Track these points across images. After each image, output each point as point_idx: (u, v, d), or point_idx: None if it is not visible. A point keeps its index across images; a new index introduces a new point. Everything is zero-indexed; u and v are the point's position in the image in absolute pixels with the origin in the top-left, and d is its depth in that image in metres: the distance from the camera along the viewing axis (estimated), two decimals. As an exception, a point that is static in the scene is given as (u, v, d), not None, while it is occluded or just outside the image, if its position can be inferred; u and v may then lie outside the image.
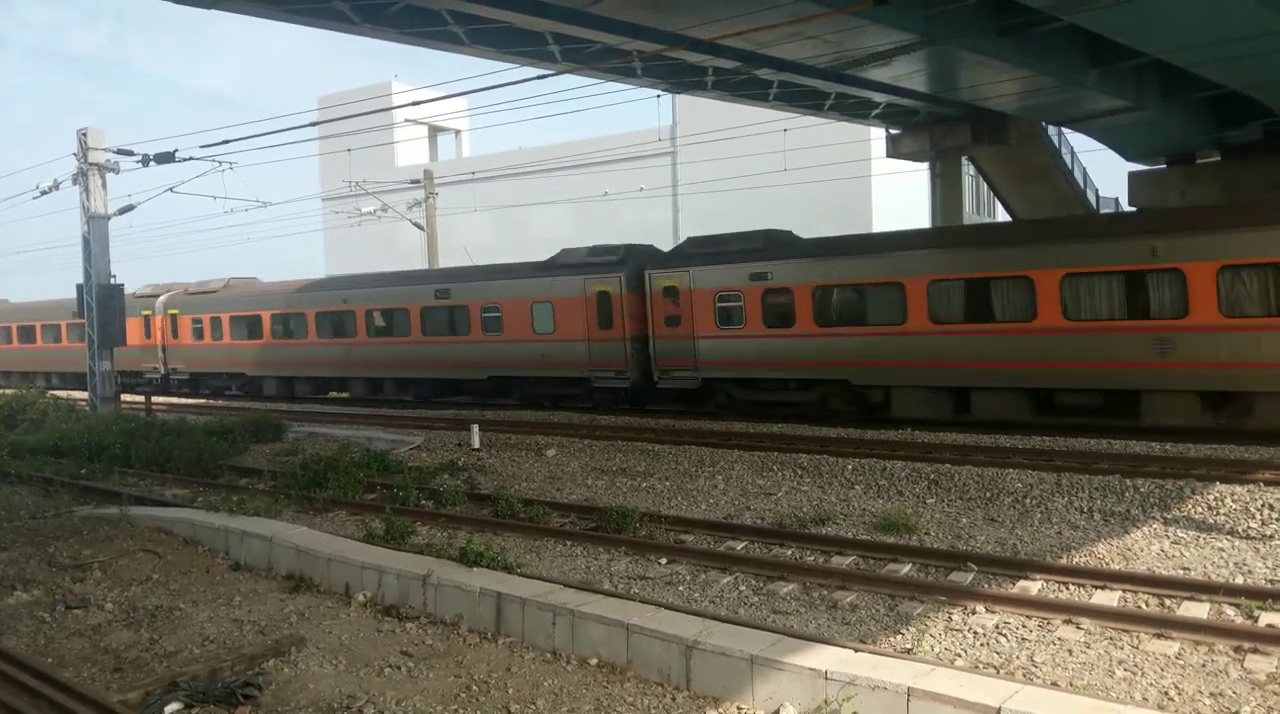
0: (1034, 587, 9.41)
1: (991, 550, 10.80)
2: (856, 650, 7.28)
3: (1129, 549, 10.62)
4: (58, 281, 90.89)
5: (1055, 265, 16.78)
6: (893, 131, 30.63)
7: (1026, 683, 6.81)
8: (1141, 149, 28.54)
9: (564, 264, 23.99)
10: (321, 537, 11.62)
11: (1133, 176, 29.88)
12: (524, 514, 13.09)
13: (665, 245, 25.59)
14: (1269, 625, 8.06)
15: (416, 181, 37.46)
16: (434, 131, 58.42)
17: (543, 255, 26.12)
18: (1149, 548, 10.66)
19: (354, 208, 37.97)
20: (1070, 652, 7.80)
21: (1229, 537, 10.95)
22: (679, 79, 23.68)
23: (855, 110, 27.88)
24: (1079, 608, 8.62)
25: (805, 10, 14.69)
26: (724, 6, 15.43)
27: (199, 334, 32.55)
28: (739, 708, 7.14)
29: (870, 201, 38.82)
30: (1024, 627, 8.38)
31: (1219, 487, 12.42)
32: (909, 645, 8.12)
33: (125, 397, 28.97)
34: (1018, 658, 7.74)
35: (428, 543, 11.29)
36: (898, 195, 38.50)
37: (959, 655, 7.87)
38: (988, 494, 13.28)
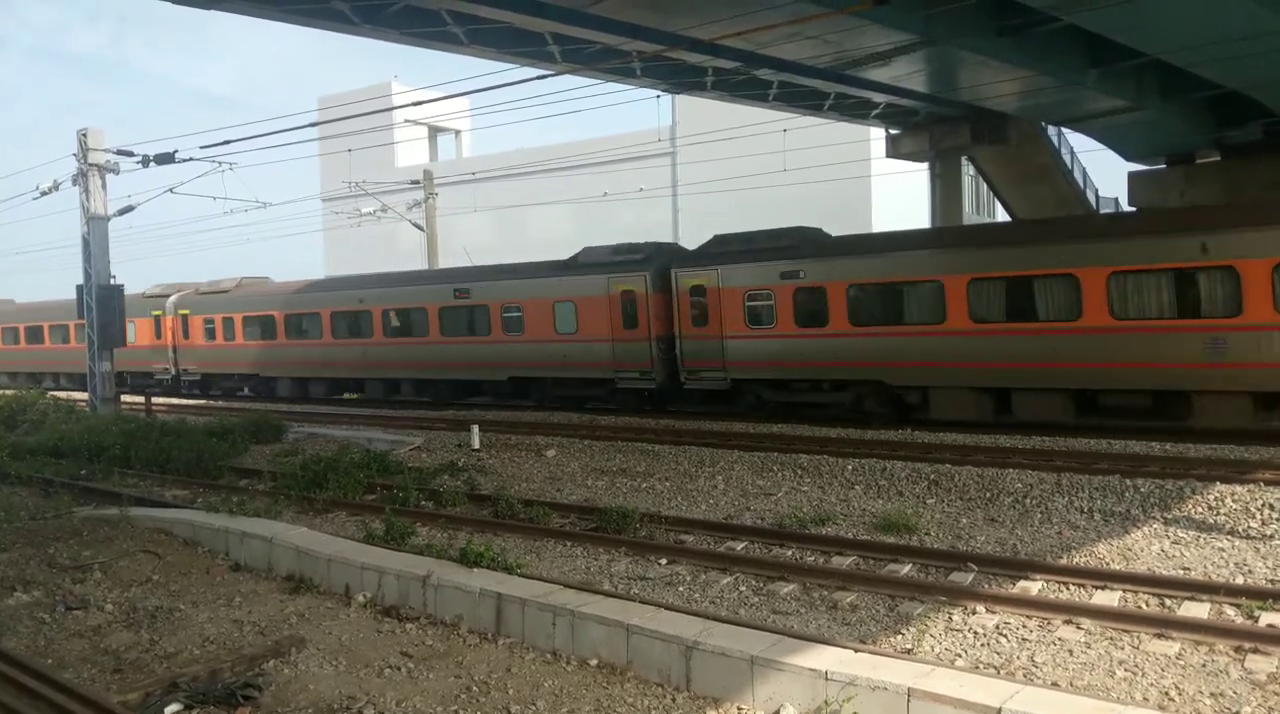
0: (1034, 587, 9.40)
1: (992, 550, 10.79)
2: (857, 651, 7.28)
3: (1129, 549, 10.62)
4: (58, 282, 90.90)
5: (1101, 263, 16.32)
6: (892, 132, 30.64)
7: (1027, 683, 6.81)
8: (1141, 149, 28.55)
9: (587, 263, 23.63)
10: (321, 537, 11.62)
11: (1132, 176, 29.89)
12: (524, 515, 13.09)
13: (665, 246, 25.52)
14: (1269, 625, 8.06)
15: (416, 182, 37.45)
16: (434, 132, 58.41)
17: (543, 255, 26.10)
18: (1149, 548, 10.66)
19: (354, 208, 37.93)
20: (1071, 652, 7.79)
21: (1229, 537, 10.94)
22: (679, 79, 23.67)
23: (855, 110, 27.89)
24: (1079, 608, 8.62)
25: (805, 10, 14.70)
26: (724, 7, 15.43)
27: (211, 334, 32.30)
28: (739, 708, 7.13)
29: (870, 202, 38.82)
30: (1024, 627, 8.37)
31: (1219, 487, 12.41)
32: (909, 646, 8.12)
33: (127, 397, 28.98)
34: (1018, 658, 7.74)
35: (428, 543, 11.29)
36: (897, 196, 38.49)
37: (959, 656, 7.87)
38: (988, 494, 13.28)
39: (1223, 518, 11.57)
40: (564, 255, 25.97)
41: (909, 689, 6.41)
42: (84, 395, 29.34)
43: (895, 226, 27.89)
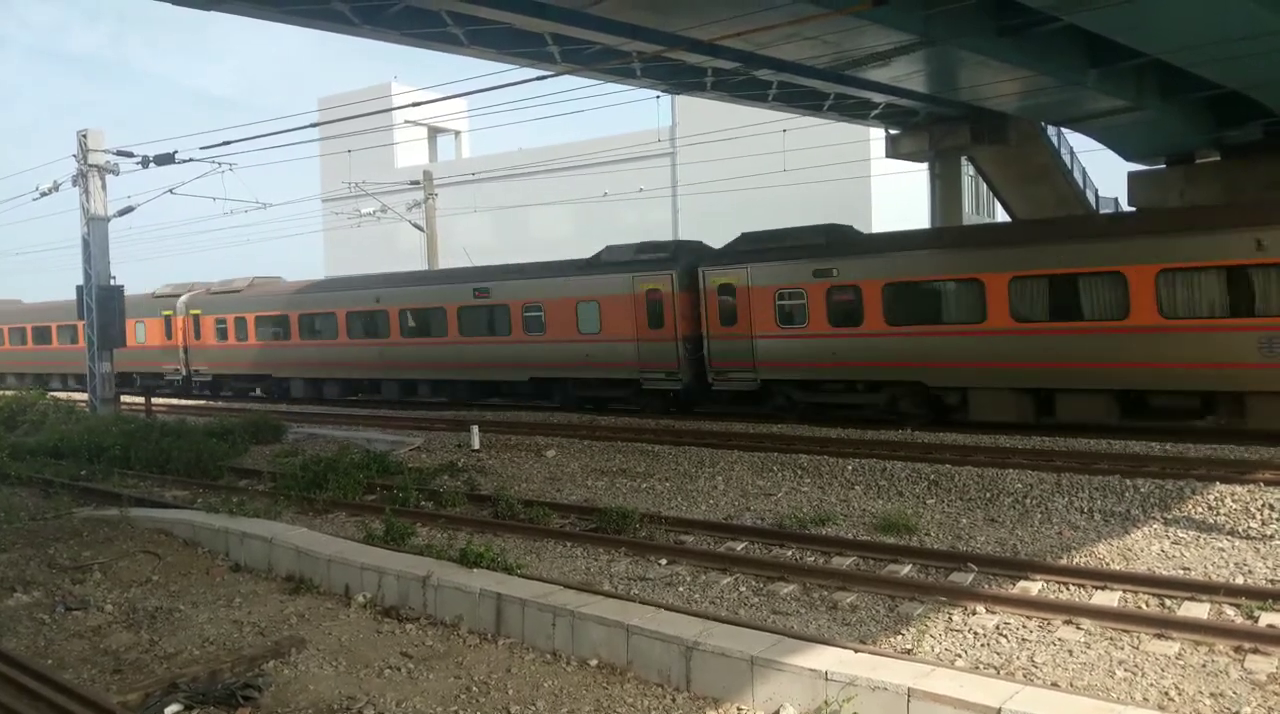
0: (1034, 587, 9.40)
1: (991, 551, 10.80)
2: (856, 651, 7.28)
3: (1129, 549, 10.62)
4: (59, 282, 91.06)
5: (1150, 260, 15.93)
6: (892, 132, 30.65)
7: (1027, 683, 6.80)
8: (1141, 149, 28.55)
9: (610, 262, 23.28)
10: (321, 538, 11.61)
11: (1132, 176, 29.90)
12: (524, 515, 13.09)
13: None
14: (1269, 625, 8.06)
15: (416, 182, 37.47)
16: (434, 132, 58.44)
17: (543, 256, 26.04)
18: (1149, 548, 10.66)
19: (354, 209, 37.95)
20: (1070, 652, 7.79)
21: (1229, 537, 10.95)
22: (678, 80, 23.67)
23: (854, 111, 27.89)
24: (1079, 608, 8.62)
25: (804, 11, 14.69)
26: (723, 7, 15.43)
27: (223, 335, 31.97)
28: (739, 709, 7.13)
29: (870, 202, 38.85)
30: (1024, 627, 8.37)
31: (1219, 487, 12.41)
32: (909, 646, 8.12)
33: (127, 397, 28.94)
34: (1018, 658, 7.74)
35: (428, 544, 11.30)
36: (897, 196, 38.54)
37: (959, 656, 7.87)
38: (988, 494, 13.28)
39: (1223, 518, 11.57)
40: (564, 256, 25.94)
41: (909, 689, 6.41)
42: (79, 396, 29.36)
43: (895, 227, 27.85)
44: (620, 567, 10.84)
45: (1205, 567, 9.91)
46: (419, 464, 17.61)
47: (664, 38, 17.74)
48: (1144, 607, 8.81)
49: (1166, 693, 6.97)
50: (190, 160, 24.89)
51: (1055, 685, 7.06)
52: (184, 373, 33.45)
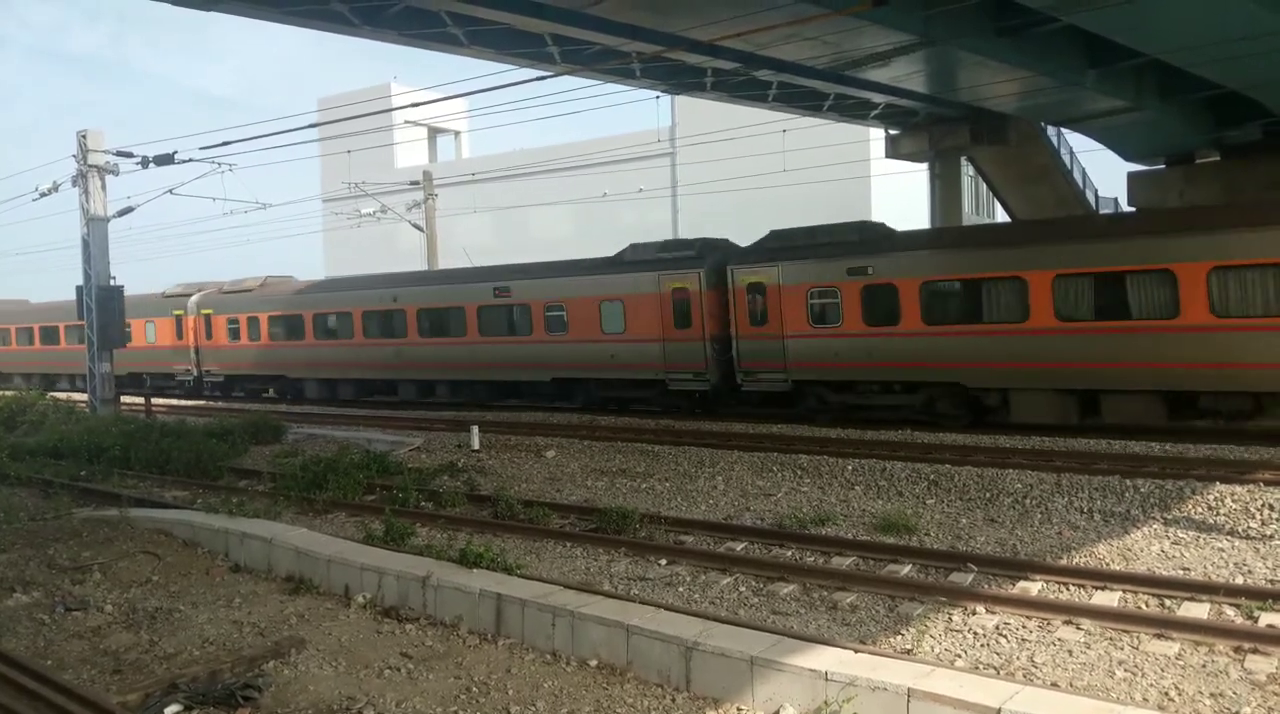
0: (1034, 587, 9.40)
1: (991, 551, 10.80)
2: (856, 651, 7.28)
3: (1129, 549, 10.62)
4: (59, 282, 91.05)
5: (1201, 258, 15.54)
6: (892, 132, 30.66)
7: (1027, 684, 6.81)
8: (1140, 149, 28.56)
9: (635, 260, 22.82)
10: (321, 538, 11.61)
11: (1132, 177, 29.92)
12: (524, 515, 13.09)
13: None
14: (1269, 626, 8.06)
15: (416, 183, 37.48)
16: (433, 133, 58.45)
17: (543, 256, 26.00)
18: (1149, 548, 10.66)
19: (354, 209, 37.95)
20: (1070, 652, 7.79)
21: (1229, 537, 10.95)
22: (678, 80, 23.67)
23: (854, 111, 27.90)
24: (1079, 608, 8.62)
25: (804, 11, 14.69)
26: (723, 8, 15.43)
27: (235, 335, 31.53)
28: (739, 709, 7.13)
29: (870, 202, 38.84)
30: (1024, 627, 8.37)
31: (1219, 487, 12.41)
32: (909, 646, 8.12)
33: (126, 397, 28.93)
34: (1018, 658, 7.74)
35: (427, 544, 11.29)
36: (897, 196, 38.53)
37: (959, 656, 7.87)
38: (988, 494, 13.28)
39: (1222, 518, 11.57)
40: (564, 256, 25.89)
41: (909, 689, 6.41)
42: (79, 396, 29.35)
43: (895, 227, 27.85)
44: (620, 567, 10.84)
45: (1205, 567, 9.91)
46: (419, 464, 17.61)
47: (664, 38, 17.74)
48: (1144, 607, 8.81)
49: (1166, 693, 6.98)
50: (190, 160, 24.90)
51: (1055, 686, 7.06)
52: (195, 373, 32.98)
